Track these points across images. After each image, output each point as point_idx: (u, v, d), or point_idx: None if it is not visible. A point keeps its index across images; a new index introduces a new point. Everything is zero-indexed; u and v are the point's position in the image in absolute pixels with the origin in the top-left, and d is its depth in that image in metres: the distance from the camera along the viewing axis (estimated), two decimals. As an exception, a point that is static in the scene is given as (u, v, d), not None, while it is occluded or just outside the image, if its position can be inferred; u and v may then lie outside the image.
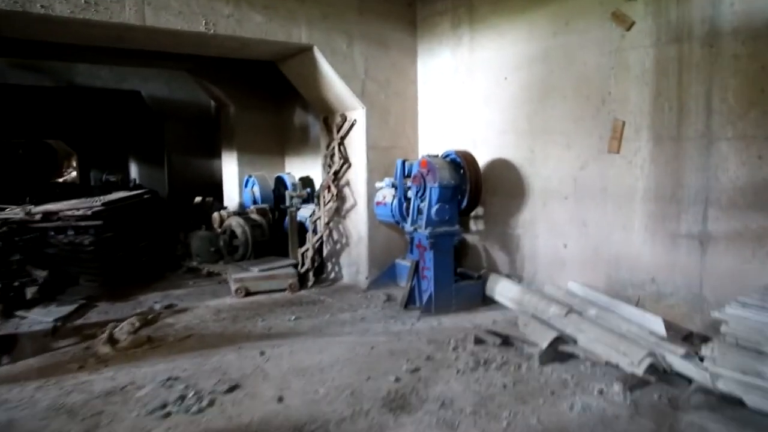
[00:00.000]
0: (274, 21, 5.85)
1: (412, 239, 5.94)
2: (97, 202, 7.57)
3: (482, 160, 6.27)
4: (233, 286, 6.74)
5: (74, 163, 23.26)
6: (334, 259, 7.55)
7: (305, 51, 6.43)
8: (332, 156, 7.21)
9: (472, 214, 6.42)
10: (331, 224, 7.44)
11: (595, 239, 5.30)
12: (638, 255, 4.93)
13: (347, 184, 7.19)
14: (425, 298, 5.76)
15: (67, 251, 7.57)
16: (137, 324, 5.56)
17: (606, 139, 5.15)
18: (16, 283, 6.29)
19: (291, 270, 7.09)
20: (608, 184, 5.16)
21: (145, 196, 8.56)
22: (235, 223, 8.04)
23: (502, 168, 6.18)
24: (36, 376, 4.47)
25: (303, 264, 7.26)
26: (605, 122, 5.15)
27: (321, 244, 7.50)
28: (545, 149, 5.73)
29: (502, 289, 5.80)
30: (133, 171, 16.29)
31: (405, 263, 6.73)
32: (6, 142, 15.76)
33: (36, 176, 21.34)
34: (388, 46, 6.90)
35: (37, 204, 9.15)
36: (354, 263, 7.21)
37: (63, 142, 21.53)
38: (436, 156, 5.96)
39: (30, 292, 6.30)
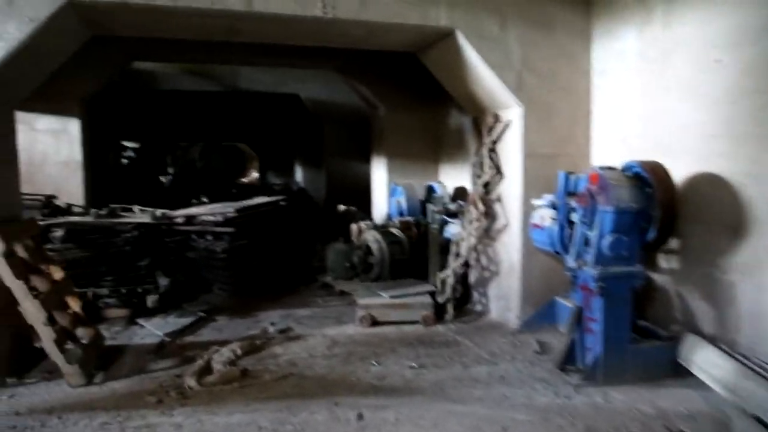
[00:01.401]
0: (405, 0, 4.80)
1: (575, 277, 4.48)
2: (230, 208, 7.18)
3: (679, 175, 4.58)
4: (358, 313, 5.83)
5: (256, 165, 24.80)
6: (481, 289, 6.29)
7: (446, 37, 5.28)
8: (481, 165, 5.96)
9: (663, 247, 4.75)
10: (478, 247, 6.20)
11: None
12: None
13: (498, 199, 5.89)
14: (589, 359, 4.28)
15: (204, 257, 7.32)
16: (239, 352, 4.88)
17: None
18: (139, 290, 6.04)
19: (427, 299, 5.99)
20: None
21: (282, 203, 8.07)
22: (372, 238, 7.15)
23: (710, 186, 4.42)
24: (112, 406, 3.97)
25: (442, 292, 6.11)
26: None
27: (466, 270, 6.28)
28: (783, 161, 3.91)
29: (705, 361, 4.08)
30: (298, 174, 16.50)
31: (567, 303, 5.26)
32: (187, 145, 17.03)
33: (223, 177, 23.07)
34: (553, 28, 5.46)
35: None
36: (503, 296, 5.89)
37: (246, 145, 22.98)
38: (613, 169, 4.42)
39: (150, 300, 6.00)
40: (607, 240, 4.11)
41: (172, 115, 13.36)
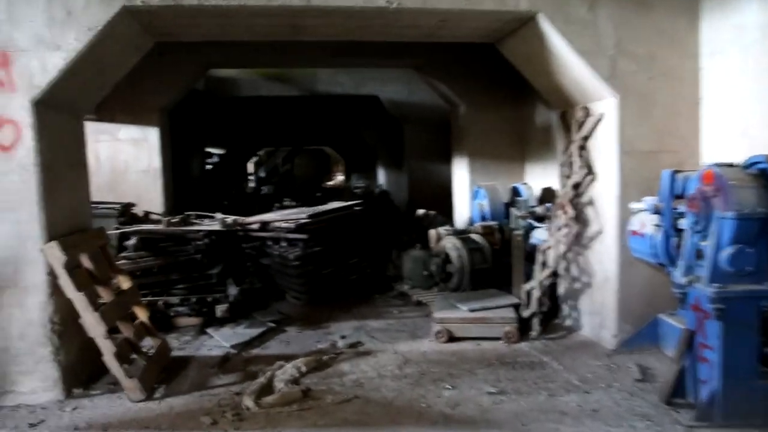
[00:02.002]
0: (478, -16, 4.31)
1: (684, 294, 3.79)
2: (302, 214, 6.95)
3: (821, 172, 3.76)
4: (434, 328, 5.37)
5: (341, 168, 24.95)
6: (571, 302, 5.65)
7: (528, 22, 4.71)
8: (570, 164, 5.33)
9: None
10: (568, 255, 5.57)
11: None
12: None
13: (590, 202, 5.23)
14: (704, 392, 3.58)
15: (278, 264, 7.16)
16: (304, 369, 4.58)
17: None
18: (209, 299, 5.90)
19: (510, 313, 5.42)
20: None
21: (356, 207, 7.74)
22: (450, 245, 6.65)
23: None
24: (166, 425, 3.80)
25: (527, 305, 5.53)
26: None
27: (554, 281, 5.65)
28: None
29: None
30: (381, 177, 16.26)
31: (674, 323, 4.55)
32: (273, 150, 17.27)
33: (307, 180, 23.36)
34: (651, 5, 4.72)
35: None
36: (597, 312, 5.22)
37: (332, 149, 23.16)
38: (733, 165, 3.69)
39: (219, 310, 5.85)
40: (727, 252, 3.40)
41: (256, 120, 13.51)
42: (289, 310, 6.58)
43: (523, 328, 5.38)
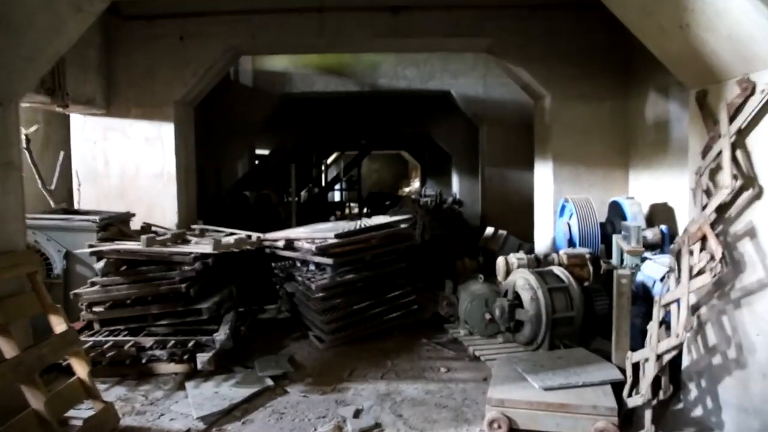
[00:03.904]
0: None
1: None
2: (330, 233, 5.37)
3: None
4: (488, 413, 3.61)
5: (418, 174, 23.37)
6: (704, 384, 3.68)
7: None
8: (713, 172, 3.40)
9: None
10: (702, 311, 3.63)
11: None
12: None
13: (749, 233, 3.27)
14: None
15: (302, 293, 5.68)
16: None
17: None
18: (191, 343, 4.45)
19: (607, 398, 3.55)
20: None
21: (403, 225, 6.06)
22: (522, 282, 4.83)
23: None
24: None
25: (634, 386, 3.63)
26: None
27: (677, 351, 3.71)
28: None
29: None
30: (455, 184, 14.51)
31: None
32: (340, 154, 16.01)
33: (384, 187, 21.94)
34: None
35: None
36: (755, 410, 3.24)
37: (408, 153, 21.64)
38: None
39: (201, 361, 4.39)
40: None
41: (312, 120, 12.25)
42: (303, 356, 5.05)
43: (627, 420, 3.52)
